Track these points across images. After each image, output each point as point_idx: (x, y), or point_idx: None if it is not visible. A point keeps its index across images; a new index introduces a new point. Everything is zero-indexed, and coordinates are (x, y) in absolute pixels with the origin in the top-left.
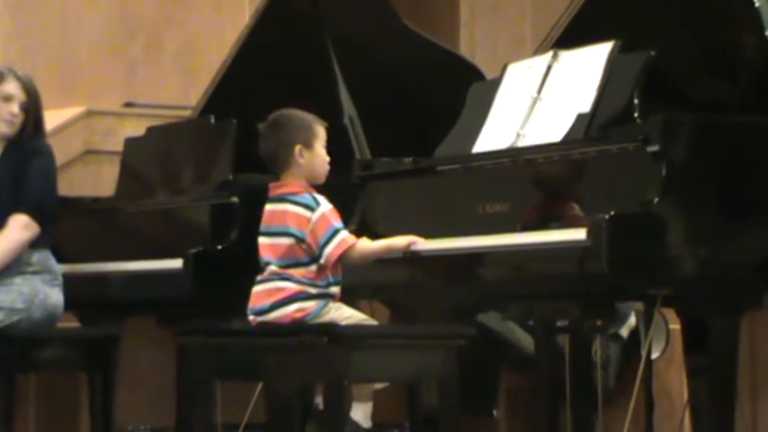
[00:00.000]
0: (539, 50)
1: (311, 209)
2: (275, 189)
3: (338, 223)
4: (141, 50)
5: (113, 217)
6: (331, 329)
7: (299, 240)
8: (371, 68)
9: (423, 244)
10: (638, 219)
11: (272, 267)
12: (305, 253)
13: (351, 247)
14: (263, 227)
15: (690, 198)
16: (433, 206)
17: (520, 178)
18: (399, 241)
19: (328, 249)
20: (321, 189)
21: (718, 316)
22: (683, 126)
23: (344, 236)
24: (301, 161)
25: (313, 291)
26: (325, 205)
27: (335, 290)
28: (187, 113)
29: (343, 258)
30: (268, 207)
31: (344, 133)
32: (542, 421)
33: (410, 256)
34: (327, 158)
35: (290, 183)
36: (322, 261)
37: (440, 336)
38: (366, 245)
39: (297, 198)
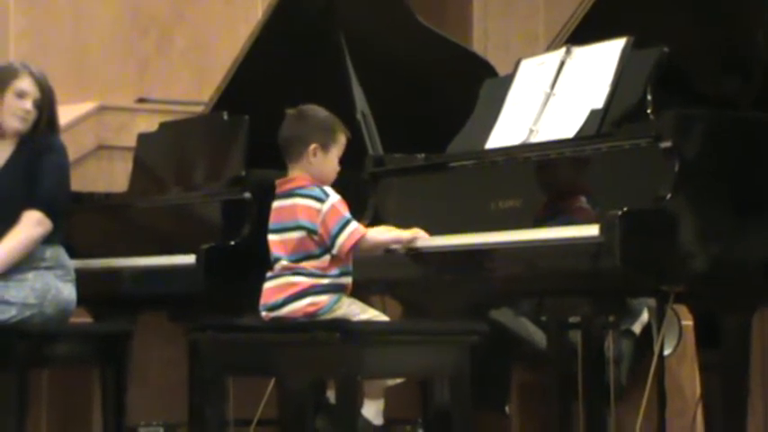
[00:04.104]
0: (551, 46)
1: (320, 200)
2: (282, 185)
3: (348, 213)
4: (153, 46)
5: (126, 213)
6: (343, 325)
7: (311, 232)
8: (384, 64)
9: (435, 240)
10: (650, 215)
11: (283, 262)
12: (316, 245)
13: (362, 237)
14: (272, 224)
15: (702, 194)
16: (445, 202)
17: (532, 174)
18: (405, 234)
19: (341, 239)
20: (333, 184)
21: (730, 313)
22: (695, 122)
23: (356, 226)
24: (313, 160)
25: (325, 281)
26: (334, 196)
27: (347, 280)
28: (199, 109)
29: (356, 248)
30: (276, 204)
31: (357, 129)
32: (554, 417)
33: (413, 254)
34: (338, 168)
35: (298, 177)
36: (335, 251)
37: (452, 332)
38: (375, 235)
39: (305, 191)
